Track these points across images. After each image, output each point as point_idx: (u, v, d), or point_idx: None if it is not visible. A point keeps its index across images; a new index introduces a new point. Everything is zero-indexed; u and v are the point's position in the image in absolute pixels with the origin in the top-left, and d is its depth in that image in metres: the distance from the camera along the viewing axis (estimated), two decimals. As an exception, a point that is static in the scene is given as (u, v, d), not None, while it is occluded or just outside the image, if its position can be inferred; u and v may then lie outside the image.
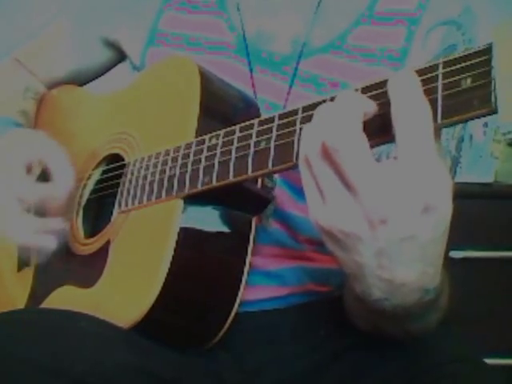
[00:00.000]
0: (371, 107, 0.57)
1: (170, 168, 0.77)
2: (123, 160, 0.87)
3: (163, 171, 0.78)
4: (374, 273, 0.58)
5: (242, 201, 0.77)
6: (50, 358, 0.64)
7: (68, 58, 1.06)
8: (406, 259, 0.57)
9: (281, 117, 0.66)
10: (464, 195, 1.63)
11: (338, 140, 0.54)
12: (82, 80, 1.08)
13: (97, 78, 1.08)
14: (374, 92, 0.58)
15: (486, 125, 1.82)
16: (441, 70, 0.54)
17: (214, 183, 0.71)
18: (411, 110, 0.53)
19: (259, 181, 0.77)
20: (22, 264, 0.96)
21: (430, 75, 0.55)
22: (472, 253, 1.72)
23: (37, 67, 1.09)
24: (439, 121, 0.54)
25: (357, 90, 0.59)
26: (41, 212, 0.86)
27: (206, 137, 0.74)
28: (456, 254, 1.68)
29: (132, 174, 0.83)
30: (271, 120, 0.67)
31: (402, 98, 0.54)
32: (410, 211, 0.54)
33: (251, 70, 0.87)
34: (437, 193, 0.54)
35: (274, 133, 0.66)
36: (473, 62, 0.53)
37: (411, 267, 0.57)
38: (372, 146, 0.57)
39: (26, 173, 0.86)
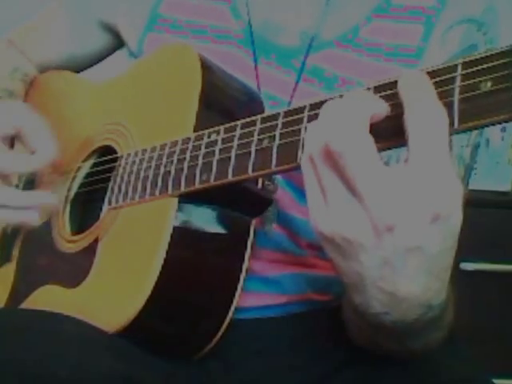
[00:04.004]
0: (382, 109, 0.56)
1: (166, 164, 0.76)
2: (116, 153, 0.86)
3: (158, 167, 0.77)
4: (376, 284, 0.57)
5: (240, 202, 0.76)
6: (32, 362, 0.64)
7: (63, 41, 1.06)
8: (411, 272, 0.56)
9: (286, 114, 0.65)
10: (478, 204, 1.63)
11: (343, 143, 0.53)
12: (76, 65, 1.08)
13: (93, 64, 1.08)
14: (389, 92, 0.57)
15: (503, 129, 1.81)
16: (460, 71, 0.54)
17: (212, 182, 0.71)
18: (426, 113, 0.53)
19: (259, 181, 0.77)
20: (3, 259, 0.96)
21: (447, 76, 0.54)
22: (484, 265, 1.71)
23: (29, 49, 1.09)
24: (456, 126, 0.53)
25: (369, 88, 0.59)
26: (29, 186, 0.86)
27: (205, 132, 0.73)
28: (467, 266, 1.68)
29: (124, 168, 0.83)
30: (275, 117, 0.66)
31: (416, 100, 0.53)
32: (418, 219, 0.53)
33: (256, 62, 0.87)
34: (448, 202, 0.53)
35: (278, 131, 0.65)
36: (494, 63, 0.52)
37: (415, 280, 0.57)
38: (382, 149, 0.56)
39: (3, 143, 0.85)
